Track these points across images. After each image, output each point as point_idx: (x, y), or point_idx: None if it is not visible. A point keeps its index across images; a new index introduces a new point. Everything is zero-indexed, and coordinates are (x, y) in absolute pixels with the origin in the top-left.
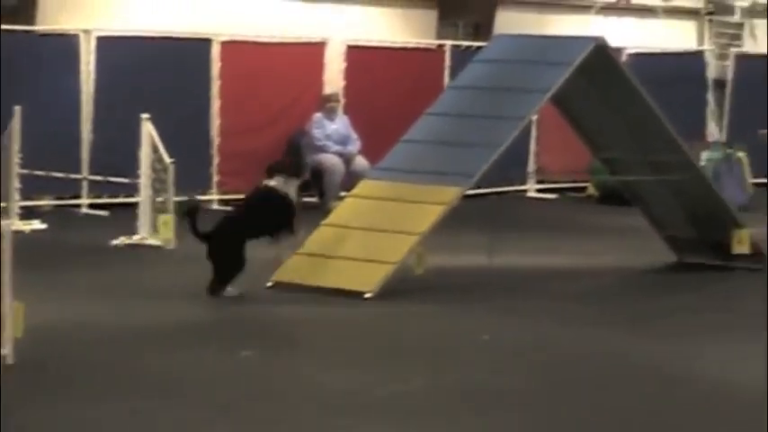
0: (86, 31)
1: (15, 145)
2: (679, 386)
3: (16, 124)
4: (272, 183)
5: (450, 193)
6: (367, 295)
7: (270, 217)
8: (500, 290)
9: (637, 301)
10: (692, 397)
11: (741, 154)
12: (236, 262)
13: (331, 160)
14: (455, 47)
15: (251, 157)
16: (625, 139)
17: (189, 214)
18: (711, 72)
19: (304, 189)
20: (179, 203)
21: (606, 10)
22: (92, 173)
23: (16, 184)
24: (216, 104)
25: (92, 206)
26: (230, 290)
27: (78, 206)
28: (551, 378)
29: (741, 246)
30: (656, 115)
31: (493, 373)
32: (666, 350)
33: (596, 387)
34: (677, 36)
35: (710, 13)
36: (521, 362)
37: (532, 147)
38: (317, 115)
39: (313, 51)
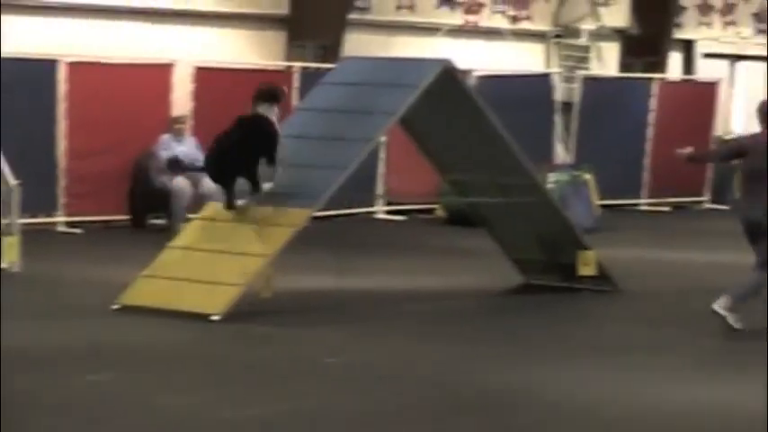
0: None
1: None
2: (527, 407)
3: None
4: (260, 110)
5: (297, 215)
6: (214, 318)
7: (261, 140)
8: (348, 312)
9: (485, 323)
10: (538, 418)
11: (588, 176)
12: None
13: (179, 182)
14: (304, 68)
15: (98, 178)
16: (472, 161)
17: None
18: (559, 94)
19: (152, 211)
20: None
21: (454, 32)
22: None
23: None
24: (62, 126)
25: None
26: (265, 185)
27: None
28: (400, 400)
29: (587, 268)
30: (503, 137)
31: (338, 395)
32: (516, 371)
33: (448, 409)
34: (525, 59)
35: (558, 36)
36: (368, 384)
37: (381, 169)
38: (165, 137)
39: (161, 73)
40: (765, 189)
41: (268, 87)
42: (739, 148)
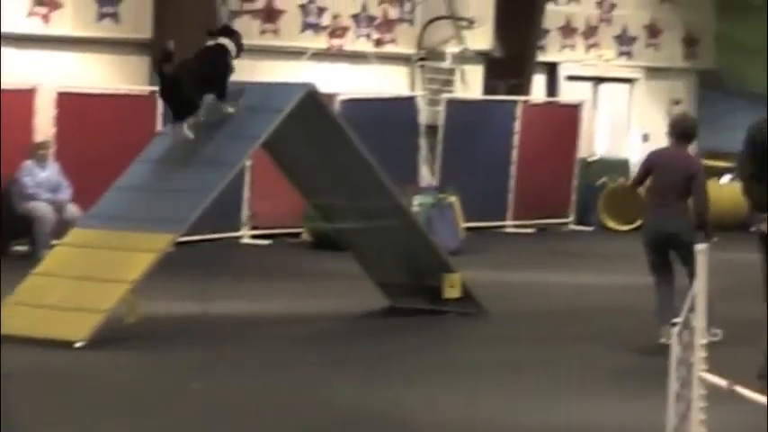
0: None
1: None
2: (390, 430)
3: None
4: (222, 40)
5: (161, 240)
6: (77, 344)
7: (218, 69)
8: (214, 337)
9: (349, 346)
10: None
11: (453, 198)
12: (191, 104)
13: (42, 208)
14: None
15: None
16: (337, 184)
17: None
18: (423, 117)
19: (14, 237)
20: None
21: (319, 56)
22: None
23: None
24: None
25: None
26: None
27: None
28: (263, 426)
29: (452, 290)
30: (367, 161)
31: (202, 421)
32: (380, 394)
33: None
34: (390, 82)
35: (422, 59)
36: (227, 410)
37: (246, 193)
38: (27, 163)
39: (23, 98)
40: (677, 202)
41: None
42: (649, 165)
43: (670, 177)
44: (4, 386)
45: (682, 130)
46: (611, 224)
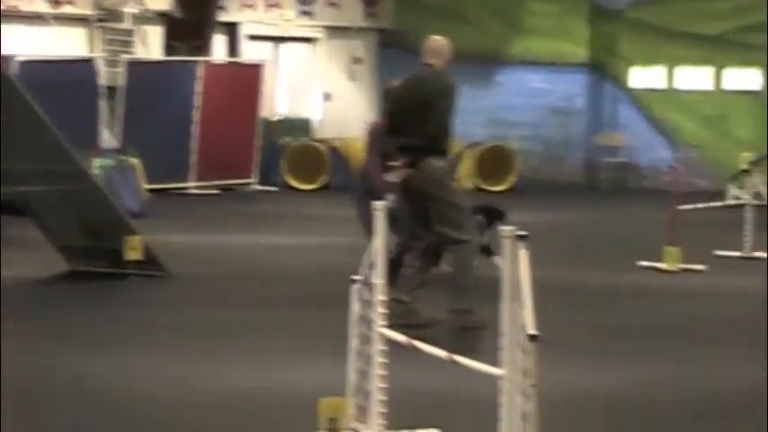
0: None
1: None
2: (74, 397)
3: None
4: None
5: None
6: None
7: None
8: None
9: (30, 314)
10: (87, 406)
11: (134, 161)
12: None
13: None
14: None
15: None
16: (16, 148)
17: None
18: (103, 79)
19: None
20: None
21: None
22: None
23: None
24: None
25: None
26: None
27: None
28: None
29: (134, 252)
30: (45, 124)
31: None
32: (63, 361)
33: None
34: (68, 43)
35: (101, 20)
36: None
37: None
38: None
39: None
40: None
41: None
42: (372, 136)
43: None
44: None
45: None
46: (295, 183)
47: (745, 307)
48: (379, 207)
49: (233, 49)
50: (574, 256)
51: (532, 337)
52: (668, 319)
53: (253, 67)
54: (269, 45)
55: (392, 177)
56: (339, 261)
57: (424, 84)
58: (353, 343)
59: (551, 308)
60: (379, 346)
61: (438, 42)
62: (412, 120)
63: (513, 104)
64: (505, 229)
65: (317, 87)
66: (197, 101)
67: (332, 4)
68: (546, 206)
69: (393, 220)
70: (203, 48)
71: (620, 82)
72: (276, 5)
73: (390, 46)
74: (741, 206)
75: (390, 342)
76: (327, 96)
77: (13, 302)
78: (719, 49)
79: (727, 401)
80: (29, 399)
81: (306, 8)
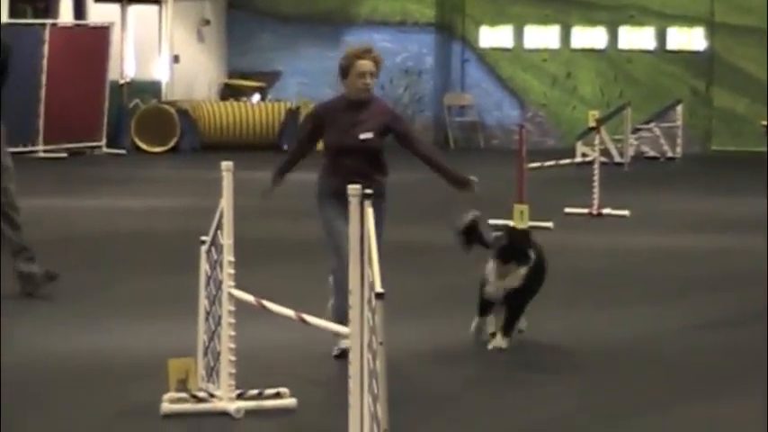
0: None
1: None
2: None
3: None
4: None
5: None
6: None
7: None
8: None
9: None
10: None
11: None
12: None
13: None
14: None
15: None
16: None
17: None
18: None
19: None
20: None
21: None
22: None
23: None
24: None
25: None
26: None
27: None
28: None
29: None
30: None
31: None
32: None
33: None
34: None
35: None
36: None
37: None
38: None
39: None
40: None
41: None
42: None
43: None
44: None
45: None
46: (144, 146)
47: (591, 262)
48: (225, 168)
49: (79, 11)
50: (422, 216)
51: (379, 295)
52: None
53: (100, 30)
54: (116, 7)
55: None
56: (188, 223)
57: None
58: (203, 304)
59: (399, 268)
60: (228, 307)
61: None
62: None
63: None
64: (353, 188)
65: (166, 49)
66: (44, 64)
67: None
68: (395, 166)
69: None
70: (49, 10)
71: (468, 42)
72: None
73: (239, 8)
74: (589, 164)
75: (239, 303)
76: (176, 58)
77: None
78: (566, 9)
79: (578, 352)
80: None
81: None
